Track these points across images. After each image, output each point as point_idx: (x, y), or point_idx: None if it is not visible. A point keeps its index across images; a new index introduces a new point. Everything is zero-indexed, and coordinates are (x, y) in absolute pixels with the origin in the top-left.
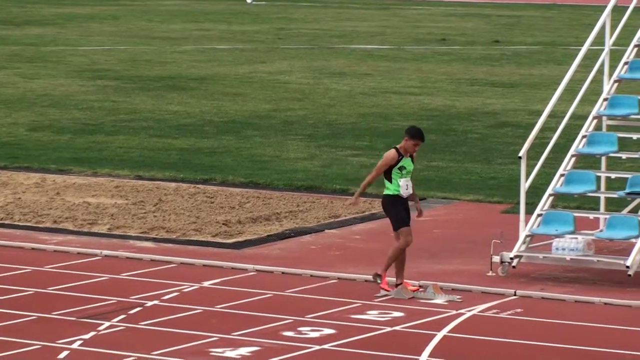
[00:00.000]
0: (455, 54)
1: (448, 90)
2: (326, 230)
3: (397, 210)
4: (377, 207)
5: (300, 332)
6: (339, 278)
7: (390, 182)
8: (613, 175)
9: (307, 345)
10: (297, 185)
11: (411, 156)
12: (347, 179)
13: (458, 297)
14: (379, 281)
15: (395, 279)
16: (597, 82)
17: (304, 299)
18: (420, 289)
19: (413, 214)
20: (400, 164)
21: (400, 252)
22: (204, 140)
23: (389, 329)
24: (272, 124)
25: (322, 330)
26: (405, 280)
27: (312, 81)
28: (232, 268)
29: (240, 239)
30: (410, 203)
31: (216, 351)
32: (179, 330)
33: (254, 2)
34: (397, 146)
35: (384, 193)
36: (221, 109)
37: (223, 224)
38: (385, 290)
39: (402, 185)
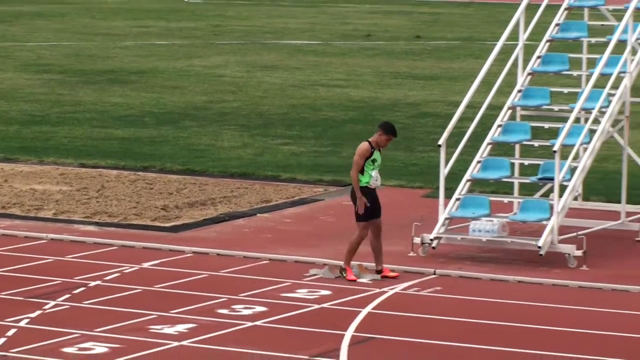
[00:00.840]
0: (380, 49)
1: (372, 83)
2: (258, 214)
3: (358, 203)
4: (306, 192)
5: (234, 310)
6: (270, 259)
7: (362, 174)
8: (526, 162)
9: (240, 322)
10: (231, 172)
11: (379, 149)
12: (278, 166)
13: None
14: (344, 274)
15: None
16: (512, 74)
17: (237, 279)
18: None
19: (402, 202)
20: (373, 157)
21: (357, 245)
22: (143, 130)
23: (317, 306)
24: (208, 114)
25: (254, 308)
26: (384, 266)
27: (245, 74)
28: (170, 250)
29: (177, 222)
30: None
31: (155, 328)
32: (120, 309)
33: (190, 0)
34: (370, 139)
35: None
36: (160, 101)
37: (162, 208)
38: (351, 280)
39: (374, 177)
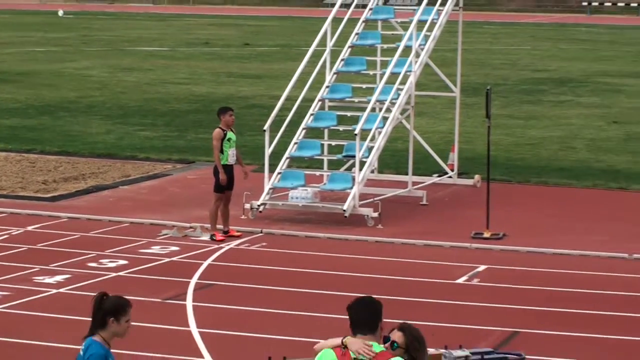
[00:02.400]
0: (216, 54)
1: (211, 81)
2: (120, 187)
3: (220, 179)
4: (158, 168)
5: (101, 264)
6: (130, 222)
7: (222, 153)
8: (333, 143)
9: (106, 273)
10: (98, 153)
11: (231, 130)
12: (135, 148)
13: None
14: (214, 238)
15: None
16: (322, 74)
17: (103, 238)
18: (190, 229)
19: (240, 177)
20: (227, 137)
21: (215, 212)
22: (27, 120)
23: (168, 259)
24: (79, 107)
25: (118, 262)
26: (230, 228)
27: (108, 75)
28: (49, 216)
29: (55, 194)
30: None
31: (38, 279)
32: (9, 264)
33: (64, 15)
34: (220, 126)
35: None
36: (40, 96)
37: (42, 183)
38: (220, 240)
39: (230, 154)
